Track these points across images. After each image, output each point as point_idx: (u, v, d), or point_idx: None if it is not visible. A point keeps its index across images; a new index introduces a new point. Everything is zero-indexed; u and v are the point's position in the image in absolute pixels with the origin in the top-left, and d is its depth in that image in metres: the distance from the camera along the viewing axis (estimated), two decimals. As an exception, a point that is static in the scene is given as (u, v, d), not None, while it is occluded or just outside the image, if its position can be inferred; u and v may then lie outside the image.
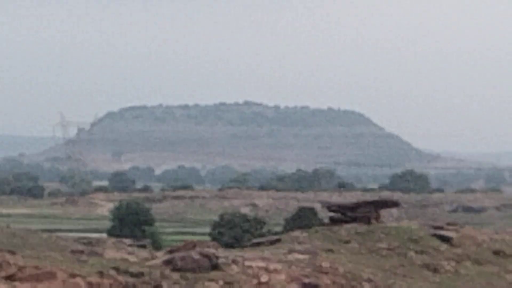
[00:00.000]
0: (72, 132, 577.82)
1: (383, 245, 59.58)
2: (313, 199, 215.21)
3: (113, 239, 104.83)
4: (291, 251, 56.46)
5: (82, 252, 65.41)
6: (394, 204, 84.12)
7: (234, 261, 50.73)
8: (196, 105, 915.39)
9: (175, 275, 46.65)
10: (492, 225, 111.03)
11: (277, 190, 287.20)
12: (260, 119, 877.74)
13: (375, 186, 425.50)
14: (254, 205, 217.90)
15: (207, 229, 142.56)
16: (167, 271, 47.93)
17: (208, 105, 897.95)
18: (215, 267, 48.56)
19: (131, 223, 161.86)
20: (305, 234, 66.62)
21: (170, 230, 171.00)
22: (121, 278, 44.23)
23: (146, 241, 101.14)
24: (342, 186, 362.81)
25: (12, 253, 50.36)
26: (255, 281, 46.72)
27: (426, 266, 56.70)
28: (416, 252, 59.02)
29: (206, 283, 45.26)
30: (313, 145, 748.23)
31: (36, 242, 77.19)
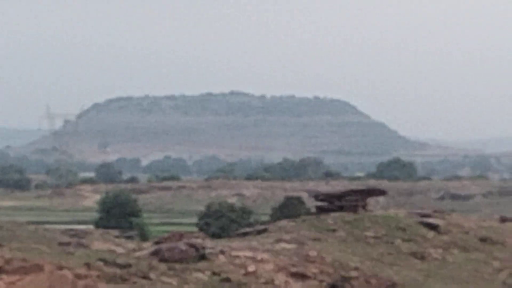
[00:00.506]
0: (58, 124, 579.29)
1: (370, 233, 59.67)
2: (300, 189, 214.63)
3: (100, 231, 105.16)
4: (278, 241, 56.45)
5: (69, 244, 65.63)
6: (381, 192, 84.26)
7: (222, 252, 50.75)
8: (182, 96, 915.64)
9: (163, 266, 46.58)
10: (479, 212, 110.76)
11: (264, 179, 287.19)
12: (246, 108, 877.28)
13: (361, 174, 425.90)
14: (241, 195, 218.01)
15: (194, 220, 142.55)
16: (155, 262, 47.89)
17: (194, 96, 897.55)
18: (202, 257, 48.50)
19: (118, 214, 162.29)
20: (292, 224, 66.69)
21: (157, 221, 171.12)
22: (108, 269, 44.32)
23: (133, 232, 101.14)
24: (329, 175, 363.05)
25: (0, 245, 50.66)
26: (242, 271, 46.71)
27: (413, 254, 56.73)
28: (403, 240, 59.09)
29: (194, 274, 45.20)
30: (299, 134, 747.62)
31: (23, 234, 77.35)
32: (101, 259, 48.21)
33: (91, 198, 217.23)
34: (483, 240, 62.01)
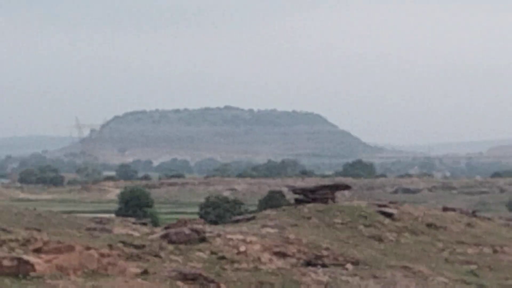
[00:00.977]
0: (86, 133, 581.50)
1: (338, 220, 60.00)
2: (281, 184, 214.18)
3: (120, 218, 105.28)
4: (263, 226, 56.74)
5: (95, 229, 66.33)
6: (346, 187, 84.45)
7: (218, 235, 51.05)
8: (186, 109, 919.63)
9: (171, 247, 47.12)
10: (425, 203, 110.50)
11: (252, 177, 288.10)
12: (237, 120, 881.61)
13: (330, 173, 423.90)
14: (233, 190, 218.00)
15: (196, 209, 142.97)
16: (164, 244, 48.34)
17: (195, 109, 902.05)
18: (202, 240, 48.91)
19: (134, 205, 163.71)
20: (274, 212, 67.10)
21: (166, 210, 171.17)
22: (126, 249, 44.93)
23: (147, 220, 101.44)
24: (304, 173, 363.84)
25: (39, 230, 51.58)
26: (235, 251, 47.09)
27: (373, 237, 57.08)
28: (365, 225, 59.48)
29: (196, 253, 45.62)
30: (280, 141, 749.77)
31: (57, 221, 77.42)
32: (121, 241, 48.91)
33: (113, 192, 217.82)
34: (429, 225, 62.39)
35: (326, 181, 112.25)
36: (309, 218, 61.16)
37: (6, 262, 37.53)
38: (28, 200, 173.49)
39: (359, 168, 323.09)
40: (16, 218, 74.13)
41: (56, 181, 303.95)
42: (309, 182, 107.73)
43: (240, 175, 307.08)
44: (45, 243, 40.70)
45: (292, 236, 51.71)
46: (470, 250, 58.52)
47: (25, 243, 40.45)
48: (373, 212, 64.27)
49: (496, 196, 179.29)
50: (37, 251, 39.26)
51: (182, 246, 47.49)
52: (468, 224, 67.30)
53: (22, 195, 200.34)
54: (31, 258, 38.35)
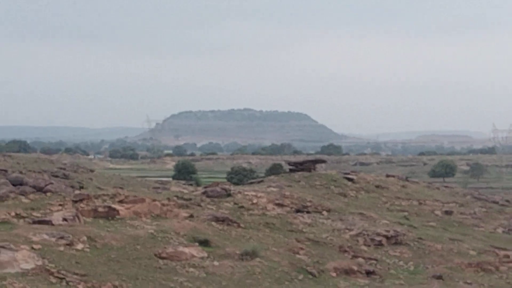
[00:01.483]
0: (153, 125, 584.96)
1: (317, 183, 60.30)
2: (280, 159, 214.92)
3: (175, 181, 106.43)
4: (268, 186, 57.19)
5: (158, 188, 68.45)
6: (322, 161, 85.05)
7: (239, 192, 51.59)
8: (219, 110, 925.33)
9: (208, 199, 48.09)
10: (374, 172, 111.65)
11: (261, 154, 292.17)
12: (252, 117, 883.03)
13: (312, 152, 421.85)
14: (249, 163, 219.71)
15: (224, 175, 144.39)
16: (203, 197, 49.06)
17: (224, 110, 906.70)
18: (229, 195, 49.67)
19: (184, 172, 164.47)
20: (276, 178, 67.73)
21: (205, 176, 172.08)
22: (179, 201, 45.48)
23: (192, 182, 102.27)
24: (295, 152, 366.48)
25: (121, 188, 52.88)
26: (249, 202, 47.81)
27: (340, 194, 57.54)
28: (335, 186, 59.79)
29: (224, 204, 46.36)
30: (279, 131, 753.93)
31: (134, 183, 78.04)
32: (175, 196, 49.07)
33: (170, 164, 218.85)
34: (376, 186, 62.61)
35: (310, 158, 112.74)
36: (298, 181, 62.00)
37: (100, 209, 38.37)
38: (115, 169, 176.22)
39: (331, 149, 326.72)
40: (107, 181, 74.50)
41: (133, 157, 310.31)
42: (298, 158, 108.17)
43: (253, 153, 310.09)
44: (125, 197, 41.78)
45: (287, 193, 52.25)
46: (403, 203, 58.93)
47: (113, 196, 41.23)
48: (340, 178, 65.04)
49: (421, 167, 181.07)
50: (121, 202, 40.29)
51: (215, 199, 48.52)
52: (403, 186, 67.74)
53: (111, 166, 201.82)
54: (117, 206, 39.17)
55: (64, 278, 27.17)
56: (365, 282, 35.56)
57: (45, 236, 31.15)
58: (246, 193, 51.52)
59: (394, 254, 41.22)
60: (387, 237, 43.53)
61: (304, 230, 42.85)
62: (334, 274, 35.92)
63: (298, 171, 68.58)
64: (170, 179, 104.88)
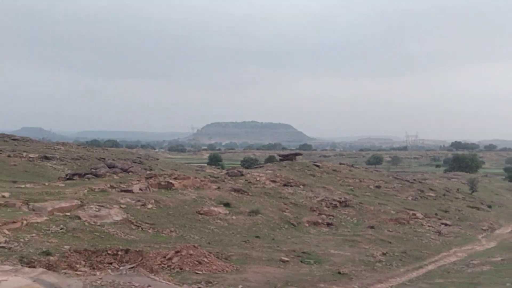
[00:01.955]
0: (195, 131, 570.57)
1: (297, 167, 59.92)
2: (274, 153, 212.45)
3: (208, 166, 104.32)
4: (266, 169, 56.95)
5: (198, 170, 67.40)
6: (300, 154, 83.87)
7: (248, 173, 51.55)
8: (236, 122, 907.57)
9: (229, 177, 47.71)
10: (332, 161, 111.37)
11: (262, 150, 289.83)
12: (256, 126, 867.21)
13: (293, 148, 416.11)
14: (254, 155, 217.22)
15: (239, 163, 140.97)
16: (226, 176, 48.82)
17: (239, 121, 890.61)
18: (242, 174, 49.55)
19: (216, 160, 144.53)
20: (271, 164, 67.59)
21: (227, 163, 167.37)
22: (211, 178, 45.19)
23: (219, 167, 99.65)
24: (283, 149, 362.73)
25: (175, 170, 52.09)
26: (255, 179, 47.79)
27: (311, 174, 56.83)
28: (308, 170, 59.27)
29: (239, 180, 46.18)
30: (273, 135, 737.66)
31: (183, 167, 77.29)
32: (209, 175, 48.16)
33: (205, 156, 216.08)
34: (333, 170, 62.23)
35: (292, 152, 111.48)
36: (285, 166, 61.46)
37: (162, 183, 38.58)
38: (171, 158, 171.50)
39: (305, 147, 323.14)
40: (166, 165, 73.84)
41: (183, 150, 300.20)
42: (285, 152, 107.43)
43: (257, 149, 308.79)
44: (178, 175, 41.86)
45: (278, 174, 52.15)
46: (350, 180, 58.65)
47: (170, 175, 41.46)
48: (310, 165, 64.54)
49: (361, 158, 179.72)
50: (175, 178, 40.38)
51: (233, 177, 48.27)
52: (349, 170, 67.48)
53: (168, 156, 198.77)
54: (172, 181, 39.34)
55: (140, 226, 28.00)
56: (326, 230, 36.42)
57: (128, 200, 31.93)
58: (252, 173, 51.77)
59: (344, 213, 41.89)
60: (339, 202, 44.32)
61: (288, 197, 43.17)
62: (307, 225, 36.66)
63: (284, 160, 68.98)
64: (206, 165, 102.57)
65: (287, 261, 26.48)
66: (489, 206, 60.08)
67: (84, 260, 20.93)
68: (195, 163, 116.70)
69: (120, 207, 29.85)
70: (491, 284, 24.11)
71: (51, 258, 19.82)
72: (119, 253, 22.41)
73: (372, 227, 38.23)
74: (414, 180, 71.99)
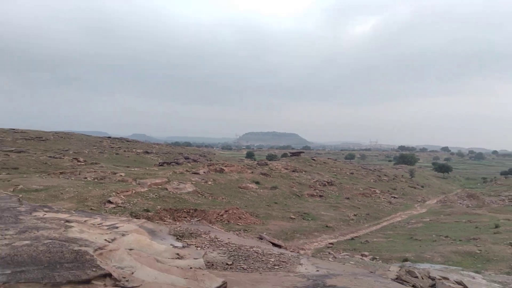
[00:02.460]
0: (238, 137, 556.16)
1: (301, 160, 58.86)
2: (286, 151, 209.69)
3: (245, 159, 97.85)
4: (282, 161, 56.07)
5: (239, 161, 64.88)
6: (302, 152, 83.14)
7: (271, 163, 50.61)
8: (262, 132, 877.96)
9: (259, 166, 46.61)
10: (323, 157, 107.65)
11: (278, 149, 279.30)
12: (275, 135, 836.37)
13: (298, 149, 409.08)
14: (275, 152, 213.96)
15: (265, 157, 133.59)
16: (257, 165, 47.47)
17: (266, 131, 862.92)
18: (266, 164, 48.43)
19: (250, 156, 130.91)
20: (284, 158, 66.38)
21: (258, 157, 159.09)
22: (247, 166, 44.41)
23: (253, 159, 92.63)
24: (292, 149, 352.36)
25: (225, 161, 50.70)
26: (274, 167, 46.86)
27: (309, 165, 55.48)
28: (307, 162, 58.16)
29: (265, 168, 45.21)
30: (283, 142, 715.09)
31: (230, 159, 75.97)
32: (246, 164, 46.94)
33: (244, 152, 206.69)
34: (324, 162, 60.91)
35: (297, 151, 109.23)
36: (293, 160, 60.32)
37: (217, 168, 38.10)
38: (223, 154, 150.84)
39: (306, 148, 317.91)
40: (220, 158, 73.06)
41: (230, 149, 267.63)
42: (293, 151, 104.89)
43: (276, 149, 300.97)
44: (227, 164, 41.25)
45: (289, 164, 51.18)
46: (334, 169, 57.01)
47: (222, 164, 40.94)
48: (309, 159, 63.26)
49: (341, 156, 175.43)
50: (225, 166, 39.76)
51: (261, 166, 47.02)
52: (334, 162, 65.98)
53: (221, 152, 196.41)
54: (224, 167, 38.91)
55: (203, 195, 27.94)
56: (319, 200, 35.88)
57: (197, 178, 31.91)
58: (273, 164, 50.84)
59: (330, 189, 41.25)
60: (327, 182, 43.62)
61: (295, 178, 42.76)
62: (306, 196, 36.22)
63: (293, 156, 68.27)
64: (244, 158, 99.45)
65: (294, 218, 26.44)
66: (422, 186, 59.06)
67: (169, 215, 21.15)
68: (238, 157, 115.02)
69: (191, 183, 29.94)
70: (422, 234, 24.03)
71: (149, 213, 20.14)
72: (190, 211, 22.59)
73: (347, 198, 37.76)
74: (375, 169, 70.61)
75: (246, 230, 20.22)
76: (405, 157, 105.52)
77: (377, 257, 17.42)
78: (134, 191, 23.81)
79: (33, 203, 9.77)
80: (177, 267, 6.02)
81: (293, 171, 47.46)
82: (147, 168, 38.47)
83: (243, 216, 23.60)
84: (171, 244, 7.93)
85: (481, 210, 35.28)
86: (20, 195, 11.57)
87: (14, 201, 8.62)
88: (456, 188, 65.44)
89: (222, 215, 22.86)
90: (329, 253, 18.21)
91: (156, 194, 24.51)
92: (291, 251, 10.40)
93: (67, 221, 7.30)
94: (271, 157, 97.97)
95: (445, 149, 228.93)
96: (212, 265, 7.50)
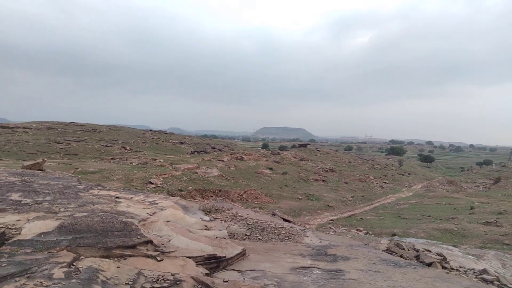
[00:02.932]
0: (255, 131, 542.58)
1: (308, 151, 58.21)
2: (295, 143, 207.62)
3: (261, 149, 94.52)
4: (291, 152, 55.69)
5: (256, 151, 63.84)
6: (309, 144, 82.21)
7: (282, 153, 50.28)
8: (274, 127, 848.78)
9: (272, 155, 45.99)
10: (326, 148, 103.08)
11: (289, 141, 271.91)
12: (286, 130, 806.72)
13: (305, 142, 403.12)
14: (285, 144, 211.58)
15: (277, 148, 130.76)
16: (270, 154, 46.84)
17: (279, 127, 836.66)
18: (278, 154, 47.97)
19: (265, 147, 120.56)
20: (294, 149, 65.80)
21: (272, 148, 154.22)
22: (263, 155, 43.70)
23: (268, 150, 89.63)
24: (300, 141, 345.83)
25: (245, 150, 50.07)
26: (285, 157, 46.44)
27: (315, 155, 54.71)
28: (313, 152, 57.33)
29: (277, 157, 44.84)
30: (293, 136, 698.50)
31: (248, 149, 74.31)
32: (262, 153, 46.47)
33: (260, 144, 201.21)
34: (326, 153, 59.98)
35: (304, 143, 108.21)
36: (301, 150, 59.51)
37: (238, 156, 37.83)
38: (243, 144, 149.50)
39: (312, 141, 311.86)
40: (240, 148, 72.40)
41: (248, 140, 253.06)
42: (301, 143, 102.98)
43: (287, 141, 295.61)
44: (246, 153, 40.86)
45: (297, 154, 50.74)
46: (335, 158, 55.96)
47: (242, 152, 40.68)
48: (314, 149, 62.45)
49: (341, 147, 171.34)
50: (245, 154, 39.46)
51: (274, 155, 46.50)
52: (335, 153, 64.86)
53: (242, 143, 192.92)
54: (243, 156, 38.63)
55: (226, 178, 27.89)
56: (322, 184, 35.53)
57: (221, 165, 31.92)
58: (284, 153, 50.48)
59: (331, 175, 40.82)
60: (329, 169, 43.18)
61: (302, 166, 42.42)
62: (312, 180, 35.94)
63: (301, 147, 67.43)
64: (260, 148, 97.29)
65: (301, 198, 26.32)
66: (409, 174, 57.98)
67: (198, 194, 21.28)
68: (255, 147, 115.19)
69: (217, 168, 29.99)
70: (408, 214, 23.62)
71: (182, 192, 20.29)
72: (216, 191, 22.68)
73: (346, 183, 37.39)
74: (369, 159, 69.57)
75: (261, 208, 20.22)
76: (395, 149, 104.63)
77: (370, 232, 17.30)
78: (170, 174, 24.02)
79: (89, 183, 9.98)
80: (205, 237, 6.11)
81: (300, 159, 47.22)
82: (181, 156, 38.79)
83: (259, 196, 23.63)
84: (200, 218, 8.03)
85: (459, 194, 34.58)
86: (79, 176, 11.81)
87: (74, 181, 8.86)
88: (438, 175, 64.23)
89: (242, 195, 22.94)
90: (330, 227, 18.12)
91: (188, 177, 24.64)
92: (298, 226, 10.38)
93: (117, 197, 7.48)
94: (282, 148, 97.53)
95: (429, 143, 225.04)
96: (234, 235, 7.53)
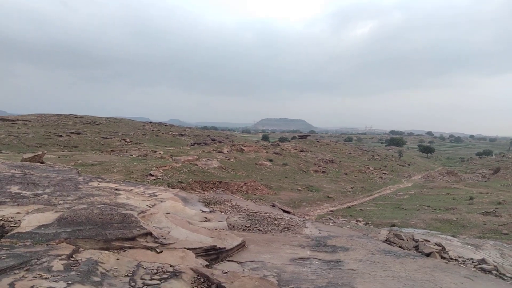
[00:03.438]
0: (255, 122, 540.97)
1: (307, 142, 58.20)
2: (295, 135, 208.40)
3: (261, 141, 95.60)
4: (291, 143, 55.64)
5: (256, 142, 63.65)
6: (309, 135, 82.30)
7: (282, 145, 50.14)
8: (275, 118, 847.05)
9: (272, 147, 45.87)
10: (326, 140, 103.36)
11: (288, 133, 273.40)
12: (286, 121, 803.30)
13: (305, 133, 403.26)
14: (286, 135, 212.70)
15: (278, 139, 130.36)
16: (270, 145, 46.83)
17: (278, 118, 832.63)
18: (278, 145, 47.75)
19: (265, 138, 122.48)
20: (293, 140, 65.78)
21: (272, 139, 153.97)
22: (263, 146, 43.93)
23: (268, 141, 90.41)
24: (300, 133, 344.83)
25: (245, 142, 49.99)
26: (285, 148, 46.24)
27: (314, 146, 54.48)
28: (313, 143, 57.30)
29: (278, 148, 44.63)
30: (292, 127, 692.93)
31: (248, 141, 73.97)
32: (262, 145, 46.69)
33: (261, 135, 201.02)
34: (327, 144, 59.76)
35: (304, 134, 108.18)
36: (301, 141, 59.58)
37: (238, 148, 37.71)
38: (243, 136, 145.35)
39: (312, 132, 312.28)
40: (240, 140, 72.22)
41: (248, 132, 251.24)
42: (301, 134, 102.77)
43: (287, 132, 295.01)
44: (246, 144, 40.72)
45: (297, 145, 50.39)
46: (335, 149, 55.81)
47: (242, 144, 40.58)
48: (314, 141, 62.43)
49: (341, 138, 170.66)
50: (245, 146, 39.29)
51: (274, 146, 46.26)
52: (335, 144, 64.42)
53: (242, 135, 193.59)
54: (243, 147, 38.57)
55: (226, 170, 27.88)
56: (322, 175, 35.58)
57: (221, 156, 31.91)
58: (284, 145, 50.17)
59: (331, 166, 40.81)
60: (329, 160, 43.18)
61: (302, 157, 42.41)
62: (311, 172, 35.97)
63: (301, 138, 67.55)
64: (260, 140, 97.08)
65: (301, 190, 26.36)
66: (409, 165, 58.06)
67: (199, 186, 21.31)
68: (255, 139, 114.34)
69: (217, 160, 29.98)
70: (408, 204, 23.69)
71: (183, 184, 20.31)
72: (216, 183, 22.71)
73: (346, 174, 37.45)
74: (369, 150, 69.51)
75: (261, 199, 20.28)
76: (395, 140, 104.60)
77: (370, 223, 17.36)
78: (170, 166, 24.04)
79: (89, 175, 9.97)
80: (205, 228, 6.11)
81: (300, 151, 47.16)
82: (181, 148, 38.79)
83: (259, 187, 23.66)
84: (200, 209, 8.03)
85: (458, 185, 34.63)
86: (79, 169, 11.80)
87: (74, 173, 8.86)
88: (437, 166, 64.28)
89: (242, 187, 22.96)
90: (330, 218, 18.18)
91: (188, 168, 24.66)
92: (298, 217, 10.40)
93: (116, 189, 7.47)
94: (282, 139, 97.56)
95: (429, 133, 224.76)
96: (233, 226, 7.53)
